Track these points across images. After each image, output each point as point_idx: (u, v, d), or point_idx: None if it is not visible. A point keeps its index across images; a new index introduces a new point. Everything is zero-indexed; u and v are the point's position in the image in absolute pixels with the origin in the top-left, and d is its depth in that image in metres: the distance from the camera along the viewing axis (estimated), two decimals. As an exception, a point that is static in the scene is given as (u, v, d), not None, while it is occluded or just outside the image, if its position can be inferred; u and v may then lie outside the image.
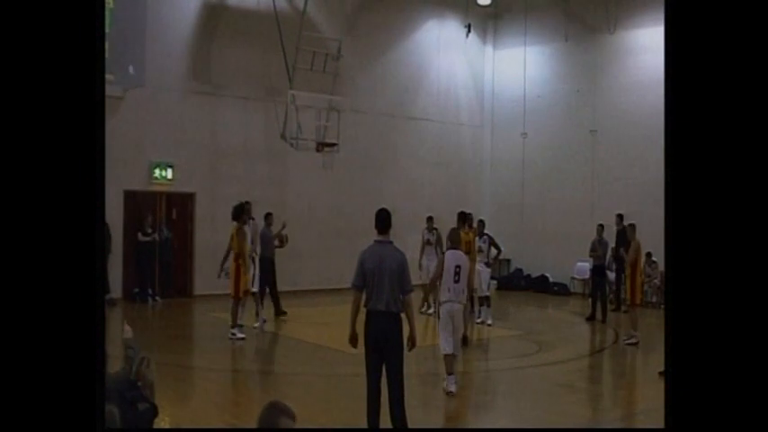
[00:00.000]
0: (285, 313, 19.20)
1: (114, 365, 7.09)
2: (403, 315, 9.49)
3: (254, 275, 17.57)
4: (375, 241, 9.59)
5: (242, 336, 16.51)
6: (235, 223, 16.81)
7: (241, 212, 16.82)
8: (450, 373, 12.46)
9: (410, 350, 9.67)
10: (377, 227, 9.61)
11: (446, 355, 12.43)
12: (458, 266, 12.46)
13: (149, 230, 21.77)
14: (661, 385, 12.98)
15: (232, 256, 16.70)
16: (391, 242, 9.57)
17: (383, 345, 9.40)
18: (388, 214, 9.63)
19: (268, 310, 18.72)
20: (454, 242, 12.92)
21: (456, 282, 12.42)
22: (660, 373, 13.55)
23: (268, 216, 19.05)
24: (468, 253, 16.31)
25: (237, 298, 16.59)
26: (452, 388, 12.36)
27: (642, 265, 17.93)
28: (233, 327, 16.61)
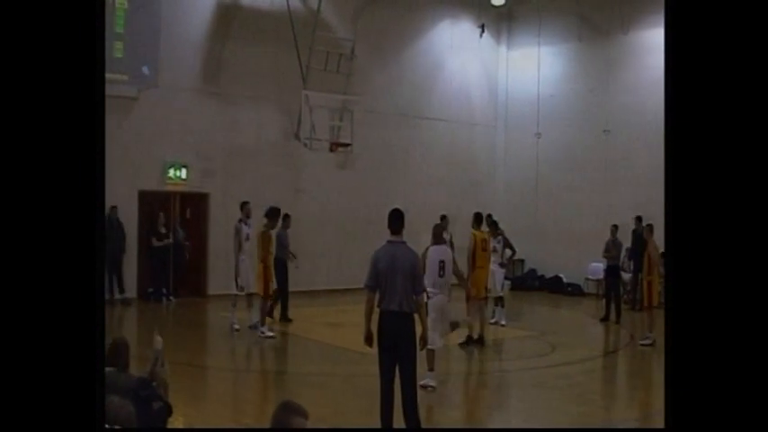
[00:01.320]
0: (290, 321, 18.86)
1: (135, 365, 7.14)
2: (416, 315, 9.52)
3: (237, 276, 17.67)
4: (388, 241, 9.59)
5: (271, 334, 16.59)
6: (264, 222, 16.86)
7: (273, 216, 16.89)
8: (431, 369, 12.50)
9: (421, 349, 9.76)
10: (390, 227, 9.62)
11: (430, 350, 12.40)
12: (442, 261, 12.69)
13: (163, 230, 21.80)
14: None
15: (257, 256, 16.87)
16: (404, 242, 9.56)
17: (396, 345, 9.41)
18: (401, 214, 9.63)
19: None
20: (437, 238, 13.04)
21: (441, 276, 12.66)
22: None
23: (286, 218, 18.97)
24: (484, 251, 16.45)
25: (267, 297, 16.71)
26: (432, 383, 12.46)
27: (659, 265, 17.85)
28: (262, 325, 16.75)
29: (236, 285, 17.56)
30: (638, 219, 21.72)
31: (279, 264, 18.46)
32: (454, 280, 13.83)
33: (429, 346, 12.38)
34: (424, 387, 12.11)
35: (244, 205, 17.90)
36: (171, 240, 21.96)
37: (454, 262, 13.32)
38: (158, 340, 7.16)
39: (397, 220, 9.60)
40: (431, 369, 12.50)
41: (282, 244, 18.58)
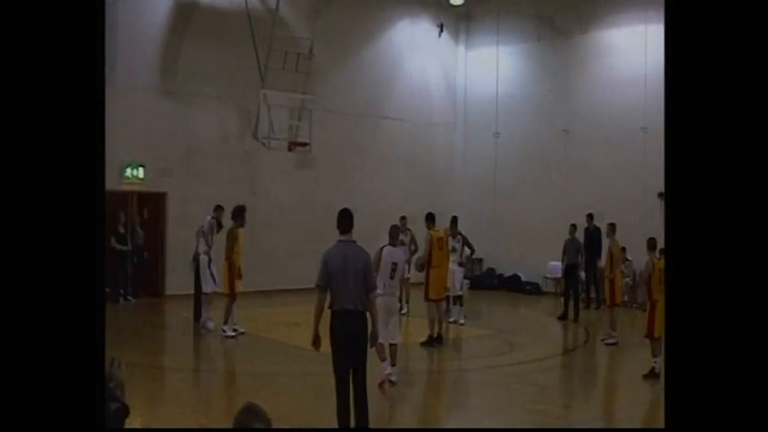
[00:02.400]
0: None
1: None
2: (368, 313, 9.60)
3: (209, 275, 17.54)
4: (338, 241, 9.60)
5: (232, 334, 16.54)
6: (232, 223, 16.85)
7: (239, 214, 16.84)
8: (383, 359, 12.57)
9: (371, 347, 9.80)
10: (339, 227, 9.64)
11: (380, 344, 12.38)
12: (394, 263, 12.75)
13: (122, 230, 21.57)
14: (636, 385, 13.05)
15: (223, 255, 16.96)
16: (354, 241, 9.57)
17: (354, 344, 9.46)
18: (351, 214, 9.66)
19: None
20: (392, 239, 13.12)
21: (391, 278, 12.76)
22: (644, 377, 13.63)
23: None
24: (440, 250, 16.45)
25: (233, 297, 16.67)
26: (388, 372, 12.61)
27: (621, 264, 17.96)
28: (225, 323, 16.79)
29: (214, 283, 17.35)
30: (590, 216, 21.83)
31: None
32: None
33: (389, 341, 12.64)
34: (386, 380, 12.40)
35: (218, 208, 17.74)
36: (129, 241, 21.77)
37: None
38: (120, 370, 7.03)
39: (346, 219, 9.63)
40: (393, 364, 12.67)
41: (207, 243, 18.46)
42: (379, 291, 12.46)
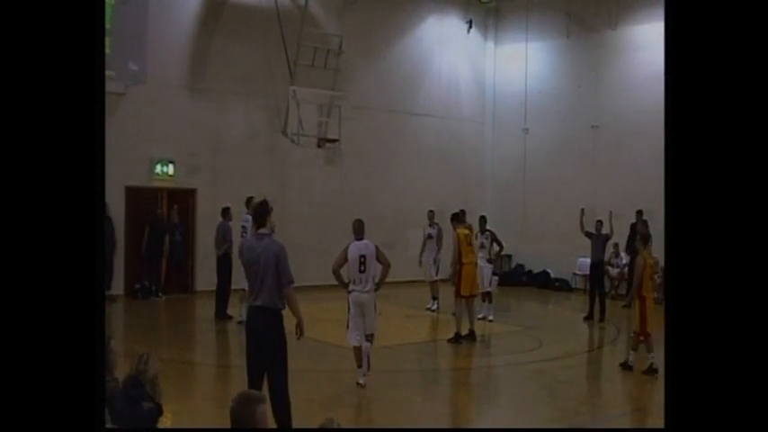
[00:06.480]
0: (230, 318, 18.57)
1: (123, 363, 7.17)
2: (285, 312, 9.02)
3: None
4: (253, 235, 9.27)
5: None
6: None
7: (264, 213, 16.80)
8: (359, 366, 12.19)
9: (298, 339, 9.11)
10: (255, 220, 9.25)
11: (354, 348, 12.27)
12: (362, 256, 12.21)
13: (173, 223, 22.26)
14: (662, 381, 12.91)
15: None
16: (269, 235, 9.07)
17: (262, 346, 8.99)
18: (267, 207, 9.24)
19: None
20: (357, 233, 12.50)
21: (361, 271, 12.21)
22: (643, 372, 13.63)
23: (226, 211, 19.03)
24: (469, 245, 16.43)
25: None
26: (362, 380, 12.09)
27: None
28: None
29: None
30: (639, 213, 21.77)
31: (223, 259, 18.41)
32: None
33: (350, 344, 12.33)
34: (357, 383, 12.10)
35: (250, 200, 17.88)
36: (180, 237, 22.19)
37: (381, 254, 12.47)
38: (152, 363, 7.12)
39: (259, 213, 9.22)
40: (359, 366, 12.18)
41: (225, 238, 18.50)
42: (351, 286, 12.39)
